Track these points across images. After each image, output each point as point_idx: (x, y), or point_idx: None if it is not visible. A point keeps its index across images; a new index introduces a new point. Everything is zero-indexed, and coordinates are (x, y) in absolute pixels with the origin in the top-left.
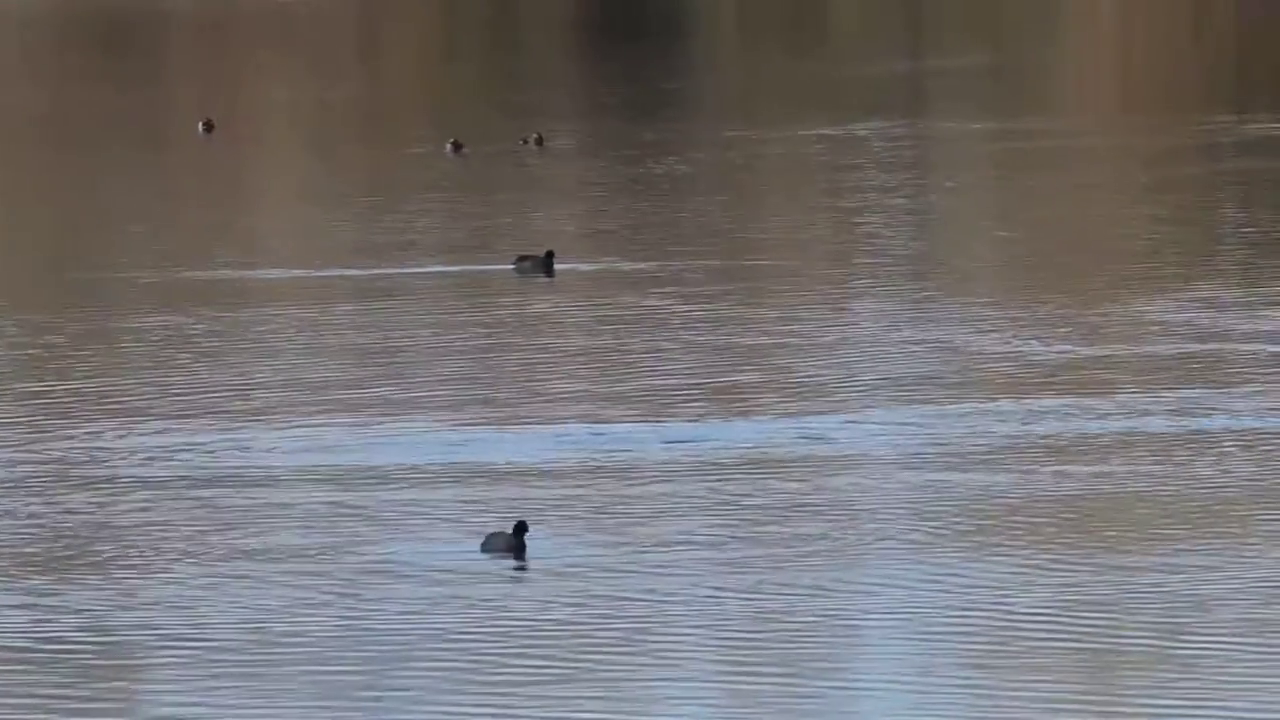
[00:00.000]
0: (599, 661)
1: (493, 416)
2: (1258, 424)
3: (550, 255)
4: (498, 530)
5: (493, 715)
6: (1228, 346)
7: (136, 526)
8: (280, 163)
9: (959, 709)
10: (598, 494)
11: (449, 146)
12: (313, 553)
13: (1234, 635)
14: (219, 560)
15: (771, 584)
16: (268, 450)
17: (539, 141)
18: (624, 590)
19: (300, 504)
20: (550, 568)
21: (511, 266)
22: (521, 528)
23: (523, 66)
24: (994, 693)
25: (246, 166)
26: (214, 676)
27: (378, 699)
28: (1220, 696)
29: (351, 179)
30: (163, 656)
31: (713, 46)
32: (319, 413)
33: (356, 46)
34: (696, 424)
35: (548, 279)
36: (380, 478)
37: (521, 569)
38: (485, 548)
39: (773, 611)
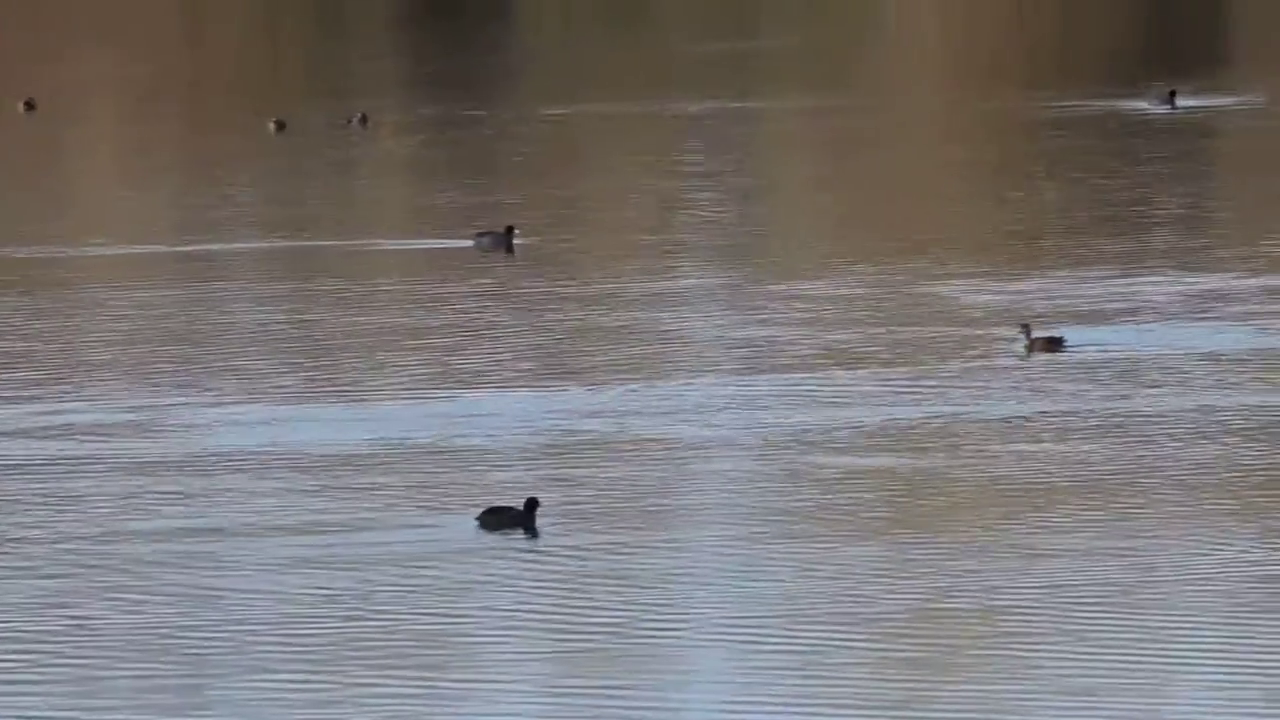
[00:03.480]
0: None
1: (322, 394)
2: (1075, 406)
3: (510, 230)
4: (500, 506)
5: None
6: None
7: None
8: (103, 141)
9: (788, 696)
10: (429, 476)
11: (272, 125)
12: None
13: (1053, 613)
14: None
15: (601, 571)
16: (84, 430)
17: (363, 121)
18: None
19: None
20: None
21: (470, 243)
22: (533, 504)
23: (345, 44)
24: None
25: (69, 145)
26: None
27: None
28: (1051, 675)
29: (176, 158)
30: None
31: (534, 25)
32: (141, 390)
33: (179, 23)
34: (524, 398)
35: (507, 254)
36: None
37: (530, 545)
38: (486, 525)
39: (596, 599)
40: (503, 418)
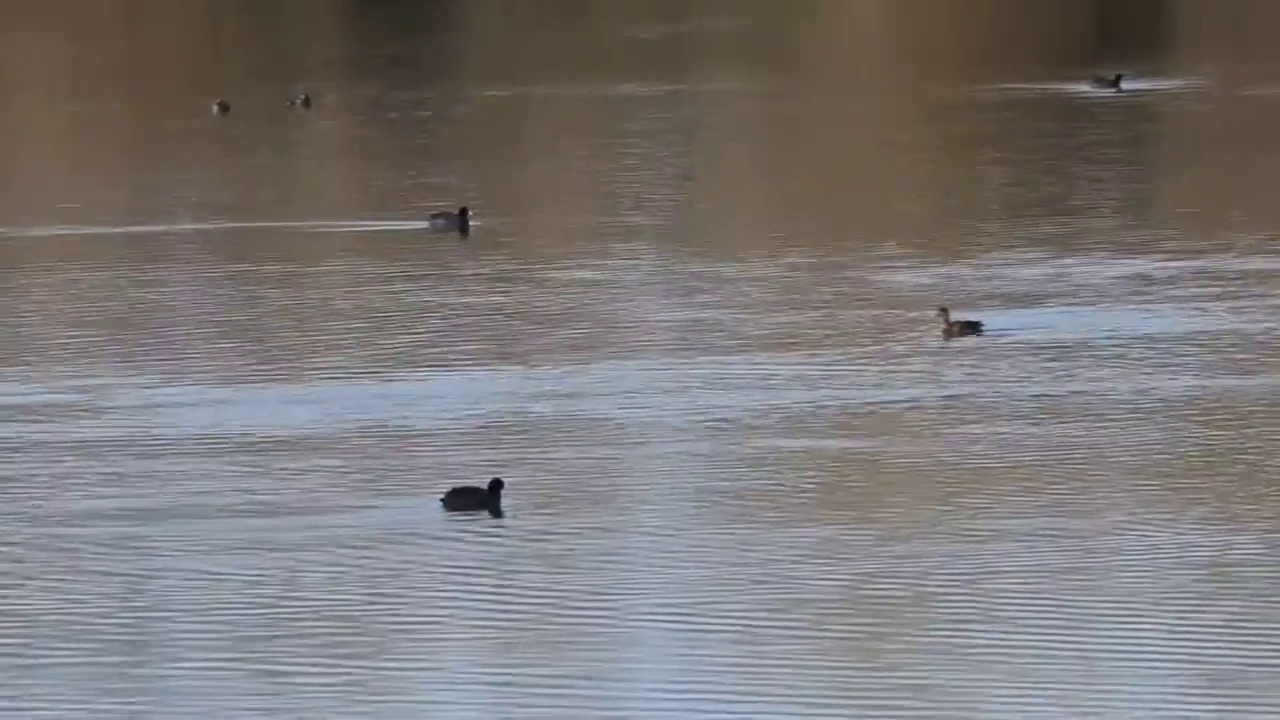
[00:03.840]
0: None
1: (270, 376)
2: (1004, 389)
3: (465, 212)
4: (465, 486)
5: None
6: (980, 309)
7: None
8: (45, 123)
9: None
10: (354, 459)
11: (215, 108)
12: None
13: (985, 597)
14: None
15: (535, 552)
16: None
17: (306, 103)
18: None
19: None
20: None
21: (425, 225)
22: (497, 485)
23: (288, 27)
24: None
25: (10, 127)
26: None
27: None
28: (974, 655)
29: (119, 141)
30: None
31: (476, 8)
32: (82, 371)
33: (120, 5)
34: (470, 380)
35: (462, 236)
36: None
37: (495, 526)
38: (450, 505)
39: (530, 581)
40: (448, 399)
